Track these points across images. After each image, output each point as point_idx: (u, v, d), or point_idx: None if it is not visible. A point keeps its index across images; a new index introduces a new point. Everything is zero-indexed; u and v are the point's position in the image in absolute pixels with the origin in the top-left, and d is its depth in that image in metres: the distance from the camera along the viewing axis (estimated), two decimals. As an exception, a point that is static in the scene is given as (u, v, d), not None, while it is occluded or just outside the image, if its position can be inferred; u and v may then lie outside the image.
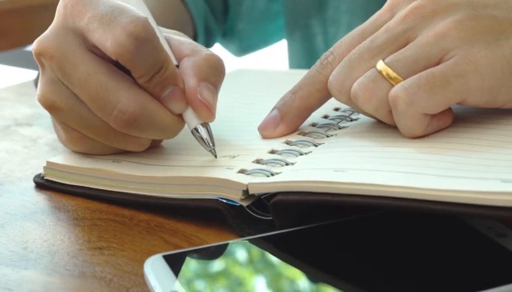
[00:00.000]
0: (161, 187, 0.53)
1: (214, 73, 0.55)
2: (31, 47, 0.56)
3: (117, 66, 0.54)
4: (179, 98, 0.54)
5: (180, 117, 0.55)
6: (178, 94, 0.54)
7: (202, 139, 0.55)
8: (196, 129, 0.55)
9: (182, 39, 0.58)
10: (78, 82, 0.53)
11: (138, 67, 0.53)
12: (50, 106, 0.55)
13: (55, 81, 0.55)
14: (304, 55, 0.94)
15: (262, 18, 0.97)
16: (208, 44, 0.95)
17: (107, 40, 0.52)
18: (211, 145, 0.55)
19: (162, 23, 0.63)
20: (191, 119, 0.55)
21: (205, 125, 0.55)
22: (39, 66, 0.56)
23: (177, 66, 0.56)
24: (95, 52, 0.54)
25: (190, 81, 0.54)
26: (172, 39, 0.57)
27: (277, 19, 0.98)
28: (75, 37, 0.54)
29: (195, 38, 0.91)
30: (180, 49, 0.56)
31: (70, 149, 0.59)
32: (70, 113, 0.55)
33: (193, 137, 0.55)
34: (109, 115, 0.53)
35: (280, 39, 1.02)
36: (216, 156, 0.55)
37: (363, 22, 0.57)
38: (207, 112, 0.54)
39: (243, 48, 1.00)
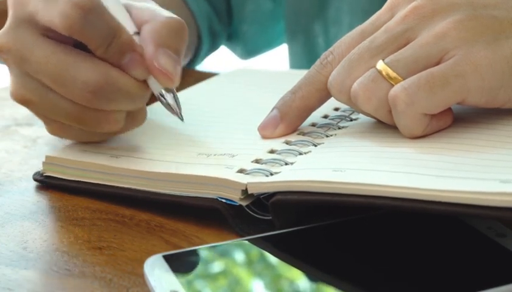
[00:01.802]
0: (160, 183, 0.53)
1: (174, 37, 0.55)
2: None
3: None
4: (139, 64, 0.54)
5: (145, 82, 0.55)
6: (137, 60, 0.54)
7: (168, 104, 0.55)
8: (160, 94, 0.55)
9: (143, 5, 0.58)
10: (38, 66, 0.54)
11: (91, 38, 0.53)
12: (23, 101, 0.56)
13: (20, 75, 0.56)
14: (305, 55, 0.94)
15: (266, 21, 0.97)
16: (213, 45, 0.95)
17: (55, 16, 0.53)
18: (177, 109, 0.55)
19: None
20: (155, 85, 0.55)
21: (170, 90, 0.55)
22: (4, 63, 0.57)
23: (139, 33, 0.56)
24: (50, 35, 0.55)
25: (148, 48, 0.55)
26: (132, 7, 0.58)
27: (281, 21, 0.98)
28: (27, 25, 0.55)
29: (199, 39, 0.91)
30: (141, 16, 0.57)
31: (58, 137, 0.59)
32: (41, 103, 0.56)
33: (192, 133, 0.56)
34: (74, 90, 0.54)
35: (284, 41, 1.02)
36: (182, 120, 0.55)
37: (364, 22, 0.57)
38: (166, 79, 0.55)
39: (248, 51, 1.00)
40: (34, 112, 0.58)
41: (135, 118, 0.57)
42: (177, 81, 0.55)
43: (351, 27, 0.85)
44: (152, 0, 0.60)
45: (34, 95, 0.56)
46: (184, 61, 0.87)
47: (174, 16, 0.56)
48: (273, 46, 1.03)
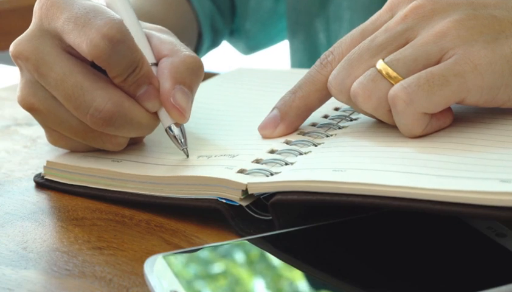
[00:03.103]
0: (161, 187, 0.53)
1: (190, 75, 0.56)
2: (9, 50, 0.56)
3: (92, 66, 0.55)
4: (154, 97, 0.55)
5: (155, 114, 0.56)
6: (152, 93, 0.55)
7: (175, 137, 0.56)
8: (169, 128, 0.56)
9: (163, 36, 0.59)
10: (55, 82, 0.54)
11: (114, 67, 0.54)
12: (30, 108, 0.57)
13: (33, 83, 0.56)
14: (306, 52, 0.94)
15: (269, 18, 0.98)
16: (215, 42, 0.95)
17: (83, 42, 0.53)
18: (183, 144, 0.56)
19: (163, 21, 0.63)
20: (165, 118, 0.56)
21: (179, 124, 0.56)
22: (18, 68, 0.57)
23: (156, 64, 0.57)
24: (71, 52, 0.55)
25: (165, 83, 0.55)
26: (153, 37, 0.58)
27: (283, 18, 0.98)
28: (50, 38, 0.55)
29: (200, 37, 0.91)
30: (160, 48, 0.57)
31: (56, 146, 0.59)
32: (49, 114, 0.56)
33: (192, 134, 0.57)
34: (85, 114, 0.54)
35: (286, 37, 1.02)
36: (187, 156, 0.56)
37: (365, 19, 0.57)
38: (179, 115, 0.55)
39: (251, 47, 1.01)
40: (38, 120, 0.58)
41: (137, 139, 0.59)
42: (188, 116, 0.56)
43: (351, 23, 0.85)
44: (170, 32, 0.61)
45: (43, 105, 0.56)
46: None
47: (193, 53, 0.57)
48: (276, 42, 1.03)
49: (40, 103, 0.56)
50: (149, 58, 0.57)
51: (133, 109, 0.55)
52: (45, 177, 0.59)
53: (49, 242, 0.51)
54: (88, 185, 0.56)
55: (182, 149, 0.56)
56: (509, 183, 0.43)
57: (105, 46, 0.53)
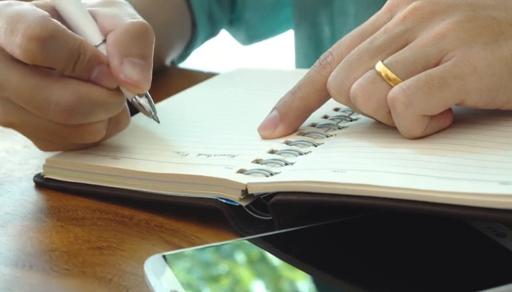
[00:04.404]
0: (160, 184, 0.53)
1: (138, 43, 0.55)
2: None
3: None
4: (108, 76, 0.55)
5: (118, 89, 0.56)
6: (105, 72, 0.55)
7: (140, 105, 0.56)
8: (134, 98, 0.56)
9: (106, 11, 0.57)
10: (13, 91, 0.54)
11: (56, 62, 0.54)
12: (6, 124, 0.57)
13: (0, 101, 0.56)
14: (311, 45, 0.94)
15: (270, 8, 0.97)
16: (213, 32, 0.95)
17: (15, 49, 0.53)
18: (151, 111, 0.56)
19: (151, 15, 0.62)
20: (126, 91, 0.56)
21: (142, 94, 0.56)
22: None
23: (105, 41, 0.56)
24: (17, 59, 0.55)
25: (113, 60, 0.55)
26: (98, 14, 0.57)
27: (285, 9, 0.97)
28: None
29: (195, 27, 0.90)
30: (104, 24, 0.57)
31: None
32: (24, 125, 0.56)
33: (192, 133, 0.57)
34: (48, 111, 0.54)
35: (287, 29, 1.01)
36: (158, 121, 0.56)
37: (370, 14, 0.57)
38: (134, 88, 0.55)
39: (250, 37, 1.00)
40: (20, 132, 0.58)
41: (119, 122, 0.58)
42: (145, 87, 0.55)
43: (357, 18, 0.84)
44: (120, 1, 0.60)
45: (15, 118, 0.56)
46: (172, 56, 0.88)
47: (137, 19, 0.56)
48: (276, 33, 1.03)
49: (12, 117, 0.56)
50: (97, 38, 0.56)
51: (93, 92, 0.54)
52: (44, 176, 0.59)
53: (49, 242, 0.51)
54: (88, 183, 0.56)
55: (152, 117, 0.56)
56: (509, 185, 0.43)
57: (35, 48, 0.52)
